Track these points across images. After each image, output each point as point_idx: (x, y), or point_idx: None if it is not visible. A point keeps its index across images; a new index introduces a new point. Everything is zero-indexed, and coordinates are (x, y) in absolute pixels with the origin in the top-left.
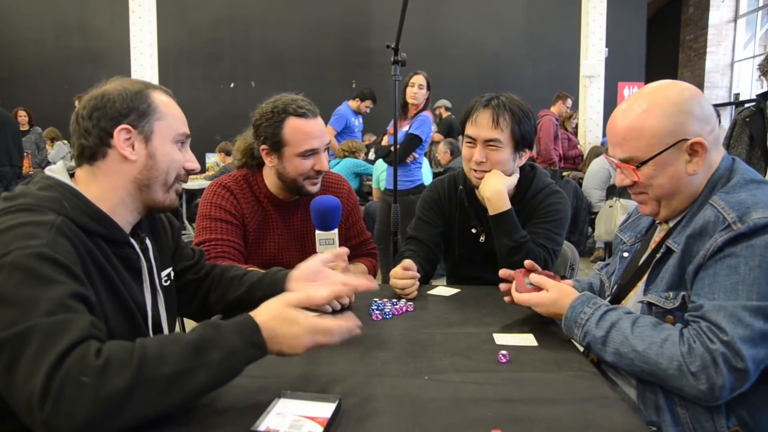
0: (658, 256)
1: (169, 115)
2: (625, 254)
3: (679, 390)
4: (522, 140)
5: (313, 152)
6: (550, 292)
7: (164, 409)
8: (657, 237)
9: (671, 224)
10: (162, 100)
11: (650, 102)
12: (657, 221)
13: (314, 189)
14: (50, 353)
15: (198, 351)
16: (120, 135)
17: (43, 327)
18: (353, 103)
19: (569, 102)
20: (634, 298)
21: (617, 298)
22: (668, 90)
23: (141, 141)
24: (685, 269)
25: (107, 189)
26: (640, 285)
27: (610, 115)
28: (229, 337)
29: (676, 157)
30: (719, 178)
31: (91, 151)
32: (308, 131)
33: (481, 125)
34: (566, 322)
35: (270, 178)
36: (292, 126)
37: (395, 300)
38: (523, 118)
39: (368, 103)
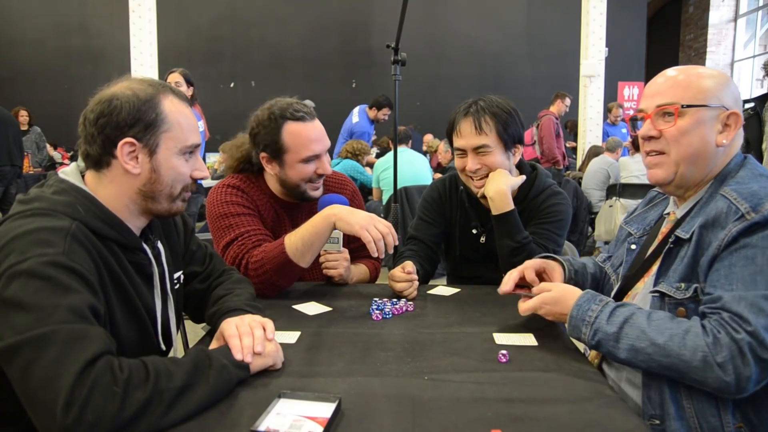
0: (668, 246)
1: (177, 126)
2: (633, 246)
3: (701, 383)
4: (510, 138)
5: (315, 157)
6: (552, 291)
7: (171, 422)
8: (665, 228)
9: (679, 215)
10: (172, 109)
11: (701, 69)
12: (664, 211)
13: (316, 194)
14: (75, 360)
15: (197, 368)
16: (123, 148)
17: (63, 333)
18: (371, 113)
19: (568, 101)
20: (643, 290)
21: (624, 290)
22: (708, 68)
23: (145, 154)
24: (698, 261)
25: (112, 196)
26: (650, 278)
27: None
28: (219, 357)
29: (712, 121)
30: (729, 172)
31: (95, 158)
32: (308, 135)
33: (465, 134)
34: (572, 321)
35: (272, 183)
36: (291, 131)
37: (395, 300)
38: (506, 117)
39: (385, 110)
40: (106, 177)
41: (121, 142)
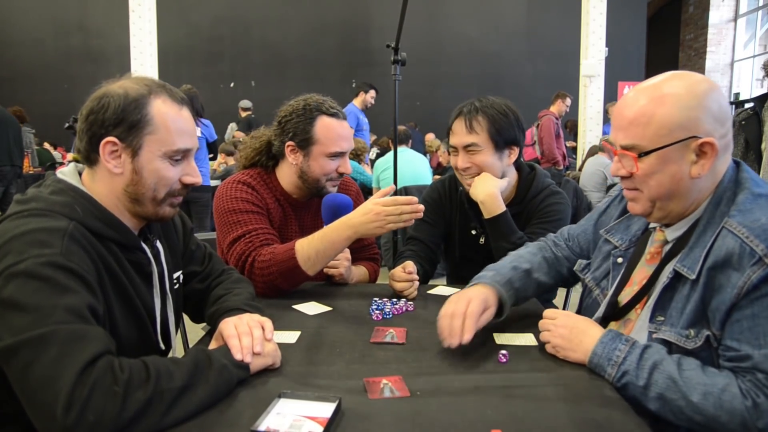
0: (666, 281)
1: (164, 129)
2: (620, 260)
3: None
4: (502, 139)
5: (340, 154)
6: (569, 319)
7: (171, 422)
8: (653, 248)
9: (670, 237)
10: (161, 110)
11: (667, 89)
12: (650, 224)
13: (334, 191)
14: (75, 360)
15: (197, 368)
16: (105, 147)
17: (62, 333)
18: (357, 101)
19: (568, 101)
20: (639, 323)
21: (615, 317)
22: (688, 80)
23: (128, 154)
24: (707, 304)
25: (104, 194)
26: (644, 309)
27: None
28: (219, 357)
29: (681, 155)
30: (724, 192)
31: (85, 154)
32: (339, 132)
33: (457, 133)
34: (594, 358)
35: (288, 177)
36: (324, 125)
37: (395, 300)
38: (500, 119)
39: (372, 93)
40: (97, 174)
41: (103, 141)
